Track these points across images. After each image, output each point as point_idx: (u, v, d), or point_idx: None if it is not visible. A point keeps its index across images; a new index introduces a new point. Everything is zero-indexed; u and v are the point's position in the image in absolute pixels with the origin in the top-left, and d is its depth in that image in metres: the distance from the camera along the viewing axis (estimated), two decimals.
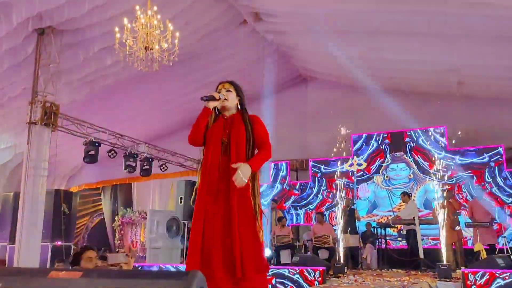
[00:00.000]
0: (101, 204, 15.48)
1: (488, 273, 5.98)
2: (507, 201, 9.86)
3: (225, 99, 2.62)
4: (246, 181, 2.37)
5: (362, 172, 11.33)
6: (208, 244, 2.37)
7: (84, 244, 14.79)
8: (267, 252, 9.63)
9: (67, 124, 8.91)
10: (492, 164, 10.12)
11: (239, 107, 2.71)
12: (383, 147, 11.26)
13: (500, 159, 10.05)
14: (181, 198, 11.78)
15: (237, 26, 9.92)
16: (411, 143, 10.96)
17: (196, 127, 2.58)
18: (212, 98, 2.57)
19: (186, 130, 10.77)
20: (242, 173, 2.35)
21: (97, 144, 9.38)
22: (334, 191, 11.45)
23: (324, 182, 11.69)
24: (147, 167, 11.28)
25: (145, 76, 9.45)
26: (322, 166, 11.73)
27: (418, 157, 10.82)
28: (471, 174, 10.30)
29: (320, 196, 11.66)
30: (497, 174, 10.05)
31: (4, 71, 8.56)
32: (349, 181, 11.41)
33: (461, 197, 10.13)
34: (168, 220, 10.99)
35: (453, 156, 10.47)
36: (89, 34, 8.47)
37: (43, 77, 8.24)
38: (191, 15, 8.71)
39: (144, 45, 6.72)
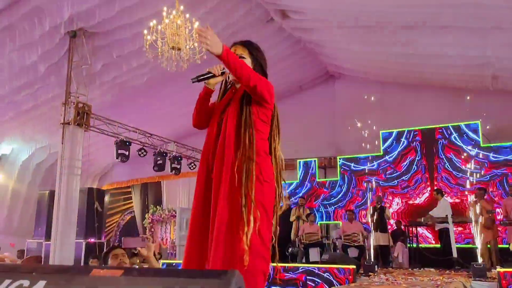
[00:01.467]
0: (131, 202, 15.78)
1: None
2: None
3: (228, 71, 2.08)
4: (220, 48, 1.93)
5: (392, 170, 11.14)
6: (194, 237, 2.07)
7: (116, 241, 15.13)
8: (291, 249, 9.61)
9: (99, 124, 9.12)
10: None
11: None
12: (413, 145, 11.01)
13: None
14: None
15: (264, 24, 9.92)
16: (443, 140, 10.68)
17: (195, 111, 2.20)
18: (207, 76, 2.09)
19: None
20: (215, 45, 1.93)
21: (127, 143, 9.56)
22: (364, 189, 11.35)
23: (353, 180, 11.57)
24: (176, 165, 11.43)
25: (174, 76, 9.56)
26: (352, 164, 11.59)
27: (451, 155, 10.54)
28: (505, 171, 9.99)
29: (349, 194, 11.54)
30: None
31: (39, 73, 8.83)
32: (379, 178, 11.26)
33: (495, 195, 9.84)
34: None
35: (487, 153, 10.18)
36: (119, 36, 8.64)
37: (76, 79, 8.46)
38: (218, 14, 8.76)
39: (172, 45, 6.79)
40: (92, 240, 9.90)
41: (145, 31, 6.98)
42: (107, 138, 9.81)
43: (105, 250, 9.46)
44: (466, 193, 10.19)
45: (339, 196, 11.61)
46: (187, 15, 7.09)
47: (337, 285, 6.52)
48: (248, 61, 2.19)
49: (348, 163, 11.64)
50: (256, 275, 1.89)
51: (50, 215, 8.85)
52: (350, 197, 11.53)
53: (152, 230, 14.86)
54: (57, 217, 7.94)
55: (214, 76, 2.09)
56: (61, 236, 7.84)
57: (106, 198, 14.33)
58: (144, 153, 10.49)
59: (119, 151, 9.38)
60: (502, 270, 6.10)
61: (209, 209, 2.01)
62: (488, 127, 10.37)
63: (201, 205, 2.07)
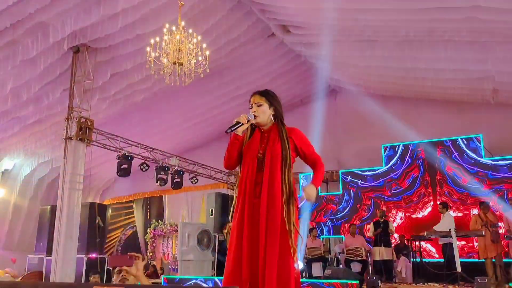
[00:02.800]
0: (133, 217, 15.73)
1: None
2: None
3: (255, 116, 2.55)
4: (314, 197, 2.41)
5: (397, 186, 11.17)
6: (242, 258, 2.36)
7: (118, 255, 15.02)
8: (299, 265, 9.53)
9: (101, 139, 9.15)
10: None
11: (273, 118, 2.60)
12: (417, 162, 11.04)
13: None
14: (211, 211, 11.85)
15: (265, 39, 10.01)
16: (444, 158, 10.69)
17: (228, 154, 2.56)
18: (237, 126, 2.50)
19: (216, 143, 10.90)
20: (309, 195, 2.42)
21: (129, 157, 9.57)
22: (370, 204, 11.36)
23: (359, 195, 11.59)
24: (178, 179, 11.42)
25: (176, 91, 9.63)
26: (359, 181, 11.64)
27: (453, 173, 10.56)
28: (508, 185, 9.97)
29: (355, 209, 11.56)
30: None
31: (42, 88, 8.90)
32: (383, 194, 11.28)
33: (496, 209, 9.79)
34: (199, 233, 11.04)
35: (488, 166, 10.18)
36: (122, 51, 8.72)
37: (78, 94, 8.53)
38: (220, 30, 8.85)
39: (174, 61, 6.85)
40: (94, 255, 9.84)
41: (148, 48, 7.04)
42: (109, 153, 9.83)
43: (106, 265, 9.41)
44: (469, 206, 10.16)
45: (345, 211, 11.60)
46: (190, 31, 7.15)
47: None
48: (265, 106, 2.60)
49: (355, 180, 11.68)
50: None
51: (52, 230, 8.81)
52: (356, 212, 11.53)
53: (154, 245, 14.79)
54: (58, 232, 7.92)
55: (242, 124, 2.50)
56: (62, 251, 7.81)
57: (108, 213, 14.30)
58: (146, 167, 10.49)
59: (121, 166, 9.39)
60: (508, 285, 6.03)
61: (249, 230, 2.37)
62: (490, 140, 10.35)
63: (243, 227, 2.39)
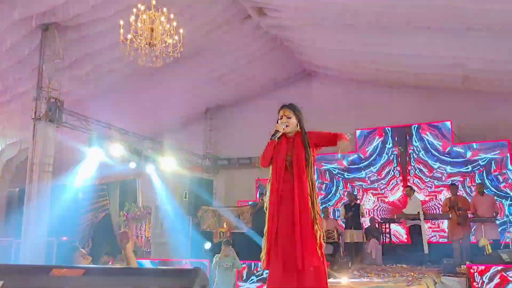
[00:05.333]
0: (106, 200, 15.51)
1: (492, 268, 5.97)
2: (507, 196, 9.85)
3: (286, 126, 3.13)
4: (347, 148, 3.13)
5: (369, 170, 11.38)
6: (277, 241, 2.94)
7: (90, 238, 14.87)
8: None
9: (71, 120, 8.93)
10: (497, 158, 10.09)
11: (298, 127, 3.21)
12: (391, 158, 11.26)
13: (504, 153, 10.01)
14: (185, 194, 11.82)
15: (241, 21, 9.89)
16: (414, 154, 10.98)
17: (265, 156, 3.12)
18: (278, 133, 3.11)
19: (192, 126, 10.84)
20: (342, 148, 3.12)
21: (101, 139, 9.39)
22: (348, 189, 11.56)
23: (341, 182, 11.77)
24: (151, 162, 11.30)
25: (150, 72, 9.45)
26: (332, 166, 11.81)
27: (420, 165, 10.85)
28: (474, 170, 10.28)
29: (338, 194, 11.73)
30: (501, 169, 10.02)
31: (9, 66, 8.58)
32: (364, 183, 11.50)
33: (463, 192, 10.11)
34: (173, 216, 11.02)
35: (457, 151, 10.46)
36: (93, 30, 8.48)
37: (48, 73, 8.27)
38: (195, 11, 8.69)
39: (147, 41, 6.71)
40: (64, 238, 9.69)
41: (121, 22, 6.84)
42: (81, 134, 9.62)
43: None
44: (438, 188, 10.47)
45: (329, 196, 11.73)
46: (164, 9, 7.00)
47: None
48: (293, 118, 3.18)
49: (328, 164, 11.86)
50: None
51: (21, 214, 8.61)
52: (338, 197, 11.68)
53: (127, 228, 14.66)
54: (27, 215, 7.75)
55: (280, 132, 3.10)
56: (32, 234, 7.67)
57: (80, 196, 14.05)
58: (119, 149, 10.31)
59: (92, 148, 9.21)
60: (471, 265, 6.26)
61: (281, 218, 2.99)
62: (460, 126, 10.60)
63: (277, 215, 3.00)
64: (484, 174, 10.14)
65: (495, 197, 9.34)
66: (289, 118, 3.17)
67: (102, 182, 15.32)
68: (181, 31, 6.97)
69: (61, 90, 8.47)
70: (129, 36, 6.73)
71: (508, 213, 9.69)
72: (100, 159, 9.94)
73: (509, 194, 9.88)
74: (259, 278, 7.15)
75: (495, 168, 10.11)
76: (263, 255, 3.02)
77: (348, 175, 11.59)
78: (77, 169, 15.31)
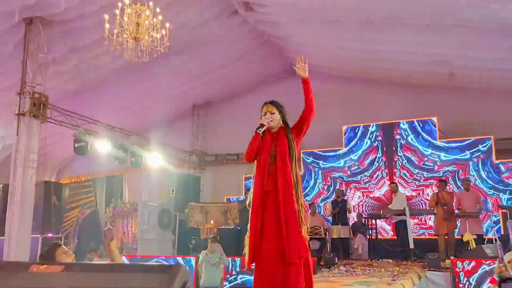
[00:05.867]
0: (92, 196, 15.40)
1: (474, 262, 6.05)
2: (489, 193, 10.02)
3: (271, 120, 3.17)
4: (306, 73, 3.21)
5: (356, 166, 11.45)
6: (263, 236, 2.98)
7: (76, 235, 14.75)
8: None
9: (56, 116, 8.83)
10: (481, 155, 10.23)
11: (281, 122, 3.26)
12: (375, 144, 11.35)
13: (488, 150, 10.16)
14: (172, 190, 11.78)
15: (228, 16, 9.85)
16: (401, 140, 11.08)
17: (250, 149, 3.14)
18: (263, 126, 3.14)
19: (178, 122, 10.78)
20: (302, 70, 3.20)
21: (87, 135, 9.30)
22: (329, 183, 11.62)
23: (320, 175, 11.79)
24: (138, 158, 11.22)
25: (136, 67, 9.36)
26: (321, 162, 11.82)
27: (408, 153, 10.95)
28: (459, 166, 10.42)
29: (316, 188, 11.77)
30: (485, 166, 10.18)
31: None
32: (344, 174, 11.55)
33: (448, 188, 10.23)
34: (160, 212, 10.98)
35: (443, 147, 10.59)
36: (79, 24, 8.36)
37: (32, 68, 8.14)
38: (181, 5, 8.63)
39: (133, 36, 6.64)
40: (50, 235, 9.61)
41: (106, 17, 6.76)
42: (66, 130, 9.51)
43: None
44: (425, 184, 10.58)
45: (306, 191, 11.77)
46: (151, 3, 6.93)
47: None
48: (276, 113, 3.22)
49: (317, 161, 11.86)
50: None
51: (5, 210, 8.50)
52: (316, 191, 11.76)
53: (113, 224, 14.57)
54: (11, 211, 7.65)
55: (264, 126, 3.13)
56: (16, 231, 7.57)
57: (65, 192, 13.93)
58: (105, 145, 10.23)
59: (78, 144, 9.12)
60: (455, 259, 6.34)
61: (266, 212, 3.02)
62: (446, 122, 10.71)
63: (261, 209, 3.02)
64: (472, 170, 10.29)
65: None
66: (273, 113, 3.22)
67: (88, 178, 15.19)
68: (167, 25, 6.92)
69: (46, 85, 8.35)
70: (114, 31, 6.65)
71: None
72: (86, 155, 9.82)
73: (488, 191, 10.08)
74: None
75: (478, 165, 10.26)
76: (246, 251, 3.03)
77: (347, 179, 11.59)
78: (62, 165, 15.17)
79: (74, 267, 0.92)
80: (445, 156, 10.60)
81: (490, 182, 10.12)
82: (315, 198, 11.64)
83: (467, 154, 10.41)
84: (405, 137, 11.07)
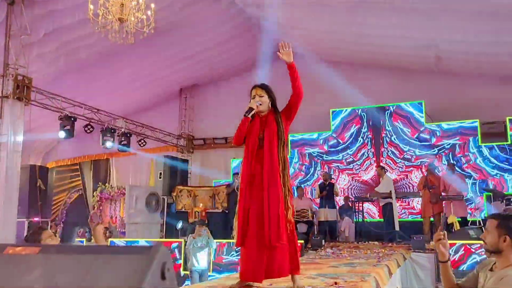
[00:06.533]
0: (79, 180, 15.29)
1: (463, 247, 6.17)
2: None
3: (260, 104, 3.15)
4: (291, 58, 3.22)
5: (343, 150, 11.45)
6: (249, 219, 2.99)
7: (63, 219, 14.68)
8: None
9: (41, 98, 8.69)
10: (467, 138, 10.33)
11: (270, 106, 3.23)
12: (363, 127, 11.31)
13: (475, 134, 10.25)
14: (160, 174, 11.73)
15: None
16: (389, 122, 11.07)
17: (239, 132, 3.13)
18: (252, 110, 3.10)
19: (165, 105, 10.67)
20: (286, 55, 3.15)
21: (72, 118, 9.18)
22: (308, 163, 11.60)
23: (295, 153, 11.77)
24: (125, 142, 11.14)
25: (122, 49, 9.22)
26: (308, 145, 11.78)
27: (395, 137, 10.98)
28: (446, 149, 10.52)
29: (291, 169, 11.76)
30: (471, 149, 10.28)
31: None
32: (320, 150, 11.55)
33: (441, 169, 10.34)
34: (147, 196, 10.95)
35: (429, 130, 10.65)
36: (62, 5, 8.18)
37: (14, 50, 7.97)
38: None
39: (118, 17, 6.51)
40: (36, 219, 9.54)
41: (89, 1, 6.63)
42: (51, 113, 9.38)
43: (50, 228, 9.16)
44: (411, 168, 10.68)
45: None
46: None
47: None
48: (266, 97, 3.19)
49: (304, 144, 11.81)
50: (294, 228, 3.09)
51: None
52: (291, 172, 11.69)
53: (101, 208, 14.52)
54: None
55: (253, 110, 3.09)
56: (1, 215, 7.50)
57: (52, 176, 13.81)
58: (91, 129, 10.14)
59: (64, 127, 9.00)
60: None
61: (253, 194, 3.01)
62: (432, 106, 10.76)
63: (249, 192, 3.03)
64: (450, 156, 10.37)
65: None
66: (262, 97, 3.19)
67: (75, 162, 15.07)
68: (152, 5, 6.80)
69: (29, 67, 8.20)
70: (98, 11, 6.51)
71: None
72: (72, 138, 9.72)
73: (471, 174, 10.17)
74: (238, 252, 7.21)
75: (463, 148, 10.36)
76: (234, 233, 3.07)
77: (326, 157, 11.58)
78: (47, 149, 15.00)
79: (51, 249, 0.90)
80: (432, 139, 10.59)
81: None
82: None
83: (460, 133, 10.34)
84: (393, 120, 11.01)
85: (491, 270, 2.30)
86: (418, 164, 10.56)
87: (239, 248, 3.09)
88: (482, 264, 2.43)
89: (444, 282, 2.50)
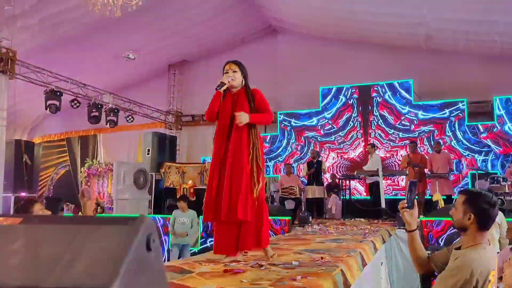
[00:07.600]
0: (66, 156, 15.18)
1: (443, 222, 6.29)
2: (464, 154, 10.29)
3: (232, 79, 3.13)
4: (243, 121, 2.99)
5: (330, 126, 11.51)
6: (218, 196, 3.01)
7: (50, 194, 14.59)
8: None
9: (25, 72, 8.52)
10: (453, 118, 10.41)
11: (243, 84, 3.22)
12: (351, 102, 11.39)
13: (461, 113, 10.34)
14: (148, 150, 11.68)
15: None
16: (378, 98, 11.15)
17: (212, 107, 3.13)
18: (223, 85, 3.10)
19: (154, 81, 10.59)
20: (241, 117, 2.99)
21: (58, 93, 9.04)
22: (303, 143, 11.68)
23: (293, 135, 11.84)
24: (112, 118, 11.03)
25: (110, 23, 9.03)
26: (292, 120, 11.82)
27: (384, 112, 11.04)
28: (433, 128, 10.61)
29: (289, 148, 11.84)
30: (457, 128, 10.39)
31: None
32: (317, 134, 11.62)
33: (422, 150, 10.45)
34: (135, 172, 10.90)
35: (417, 111, 10.72)
36: None
37: None
38: None
39: None
40: (23, 194, 9.47)
41: None
42: (36, 88, 9.22)
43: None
44: (396, 148, 10.77)
45: (278, 151, 11.86)
46: None
47: (273, 235, 6.72)
48: (239, 73, 3.17)
49: (288, 119, 11.86)
50: (264, 203, 3.16)
51: None
52: (289, 151, 11.83)
53: (89, 184, 14.46)
54: None
55: (225, 84, 3.09)
56: None
57: (38, 151, 13.68)
58: (78, 104, 10.00)
59: (49, 102, 8.86)
60: (424, 219, 6.56)
61: (222, 169, 3.04)
62: (421, 84, 10.79)
63: (216, 170, 3.05)
64: (446, 131, 10.49)
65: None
66: (235, 72, 3.18)
67: (61, 138, 14.92)
68: None
69: (13, 40, 8.00)
70: None
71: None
72: (59, 114, 9.59)
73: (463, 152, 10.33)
74: None
75: (450, 127, 10.46)
76: (203, 208, 3.12)
77: (321, 139, 11.66)
78: (33, 124, 14.82)
79: (33, 219, 0.88)
80: (422, 115, 10.72)
81: (466, 143, 10.32)
82: (288, 159, 11.72)
83: (446, 113, 10.52)
84: (382, 95, 11.11)
85: (457, 248, 2.19)
86: (402, 145, 10.81)
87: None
88: (454, 244, 2.32)
89: (411, 252, 2.42)
